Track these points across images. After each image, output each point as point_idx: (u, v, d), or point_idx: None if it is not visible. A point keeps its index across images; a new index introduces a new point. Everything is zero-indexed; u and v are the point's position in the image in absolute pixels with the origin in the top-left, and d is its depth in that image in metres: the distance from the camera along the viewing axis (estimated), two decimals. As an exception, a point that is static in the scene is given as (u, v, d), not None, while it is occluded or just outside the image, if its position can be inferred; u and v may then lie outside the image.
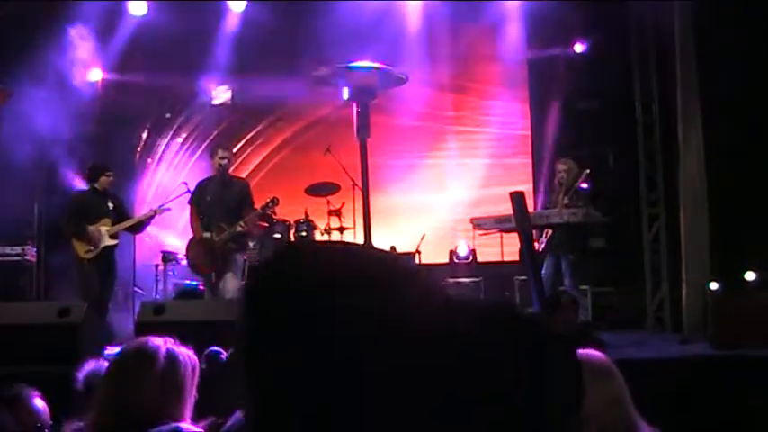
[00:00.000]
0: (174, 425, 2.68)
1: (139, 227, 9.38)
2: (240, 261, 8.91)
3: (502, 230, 9.06)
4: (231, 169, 9.31)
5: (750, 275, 9.60)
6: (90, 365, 3.22)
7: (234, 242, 8.74)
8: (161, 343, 2.82)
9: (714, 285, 8.84)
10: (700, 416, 2.75)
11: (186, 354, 2.87)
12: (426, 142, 12.48)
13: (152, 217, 9.35)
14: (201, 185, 9.07)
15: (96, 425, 2.76)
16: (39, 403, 3.22)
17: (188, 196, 9.12)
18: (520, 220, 7.75)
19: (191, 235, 9.08)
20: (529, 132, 12.32)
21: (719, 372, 6.00)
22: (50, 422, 3.19)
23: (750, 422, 4.95)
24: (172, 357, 2.80)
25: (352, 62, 7.58)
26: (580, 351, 3.14)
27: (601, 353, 3.15)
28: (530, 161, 12.20)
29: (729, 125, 9.84)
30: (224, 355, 2.99)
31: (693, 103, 9.63)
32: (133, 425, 2.68)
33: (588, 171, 8.72)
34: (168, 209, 9.55)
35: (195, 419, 2.79)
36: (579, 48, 11.72)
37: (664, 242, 10.93)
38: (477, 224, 8.80)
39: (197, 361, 2.90)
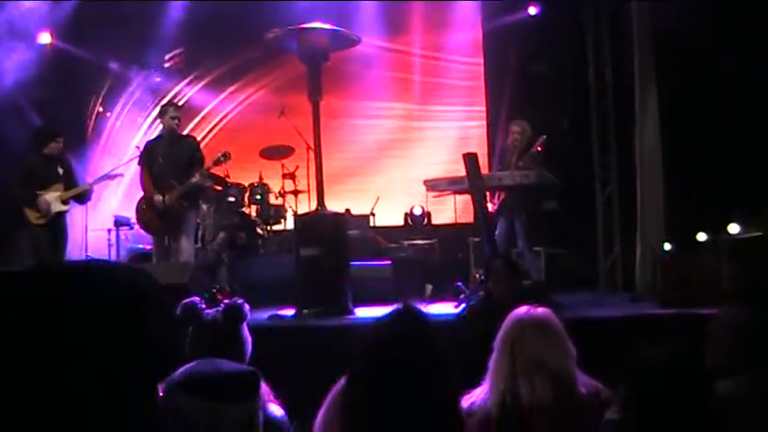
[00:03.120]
0: None
1: (86, 195, 9.10)
2: (194, 222, 8.69)
3: (455, 192, 9.06)
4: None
5: (702, 236, 9.75)
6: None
7: (186, 199, 8.39)
8: None
9: (668, 246, 8.97)
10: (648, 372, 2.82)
11: None
12: (382, 104, 12.42)
13: (102, 181, 9.26)
14: (151, 145, 8.76)
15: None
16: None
17: (139, 159, 8.85)
18: (473, 182, 7.85)
19: (135, 197, 8.88)
20: (483, 96, 12.33)
21: (666, 329, 6.11)
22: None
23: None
24: None
25: (303, 24, 7.54)
26: (524, 307, 3.31)
27: (546, 309, 3.31)
28: (485, 125, 12.23)
29: (686, 89, 9.92)
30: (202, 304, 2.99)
31: (649, 66, 9.68)
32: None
33: (545, 137, 8.68)
34: (121, 174, 9.43)
35: None
36: (533, 10, 11.71)
37: (616, 205, 11.05)
38: (431, 186, 8.77)
39: None
